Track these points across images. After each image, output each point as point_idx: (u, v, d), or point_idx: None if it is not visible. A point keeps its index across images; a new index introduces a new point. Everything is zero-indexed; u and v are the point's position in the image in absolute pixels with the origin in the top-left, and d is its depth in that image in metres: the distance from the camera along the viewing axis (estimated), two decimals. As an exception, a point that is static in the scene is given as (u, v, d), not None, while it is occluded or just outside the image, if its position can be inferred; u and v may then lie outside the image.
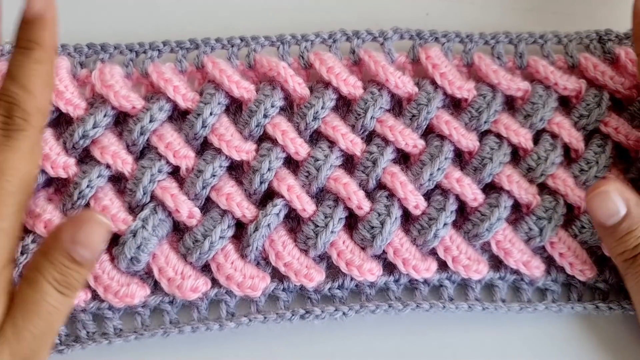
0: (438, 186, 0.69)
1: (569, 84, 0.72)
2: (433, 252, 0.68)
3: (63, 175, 0.66)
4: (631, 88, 0.72)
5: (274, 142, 0.69)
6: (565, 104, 0.73)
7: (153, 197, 0.67)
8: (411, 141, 0.69)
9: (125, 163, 0.67)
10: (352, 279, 0.67)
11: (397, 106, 0.72)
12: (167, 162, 0.68)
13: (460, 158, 0.71)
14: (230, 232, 0.66)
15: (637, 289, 0.64)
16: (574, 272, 0.67)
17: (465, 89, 0.71)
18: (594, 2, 0.78)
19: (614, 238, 0.62)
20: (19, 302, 0.56)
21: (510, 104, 0.73)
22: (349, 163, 0.70)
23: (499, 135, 0.70)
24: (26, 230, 0.65)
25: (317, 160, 0.68)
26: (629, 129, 0.71)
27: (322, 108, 0.70)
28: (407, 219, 0.69)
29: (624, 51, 0.73)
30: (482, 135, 0.71)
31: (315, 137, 0.71)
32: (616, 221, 0.61)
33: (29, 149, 0.60)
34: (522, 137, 0.70)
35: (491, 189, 0.69)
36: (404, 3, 0.79)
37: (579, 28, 0.75)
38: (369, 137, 0.71)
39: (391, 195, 0.68)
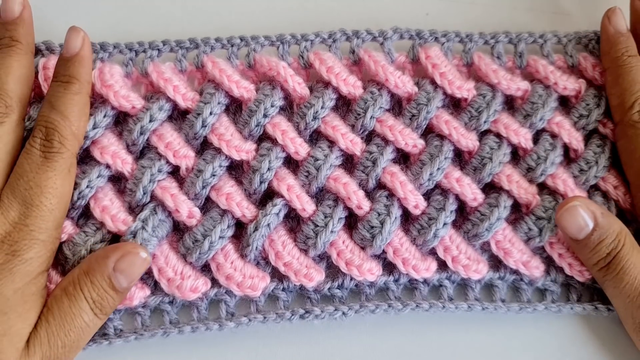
0: (438, 186, 0.69)
1: (569, 83, 0.72)
2: (433, 252, 0.68)
3: (63, 176, 0.66)
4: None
5: (274, 141, 0.69)
6: (565, 103, 0.73)
7: (153, 197, 0.67)
8: (411, 141, 0.69)
9: (125, 163, 0.67)
10: (351, 278, 0.67)
11: (397, 106, 0.72)
12: (167, 161, 0.68)
13: (460, 158, 0.71)
14: (230, 232, 0.66)
15: (615, 295, 0.65)
16: (573, 273, 0.67)
17: (465, 89, 0.71)
18: (594, 2, 0.78)
19: (587, 250, 0.65)
20: (55, 311, 0.61)
21: (510, 104, 0.73)
22: (348, 163, 0.70)
23: (498, 135, 0.70)
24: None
25: (317, 160, 0.68)
26: None
27: (322, 108, 0.69)
28: (407, 218, 0.69)
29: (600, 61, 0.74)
30: (482, 135, 0.71)
31: (315, 137, 0.71)
32: (586, 234, 0.64)
33: (66, 170, 0.64)
34: (522, 136, 0.70)
35: (491, 188, 0.69)
36: (404, 3, 0.79)
37: (578, 28, 0.75)
38: (369, 136, 0.71)
39: (391, 195, 0.68)
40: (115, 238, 0.66)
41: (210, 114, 0.68)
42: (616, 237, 0.64)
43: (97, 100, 0.69)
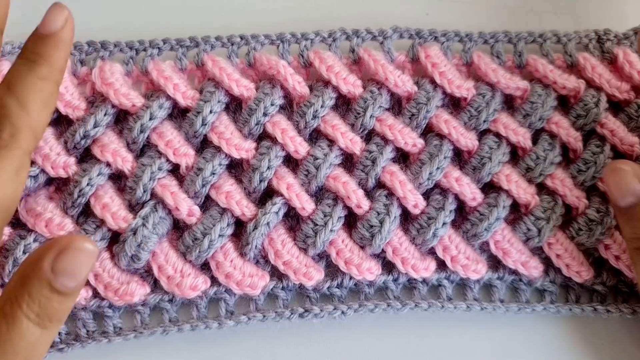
0: (437, 185, 0.69)
1: (568, 83, 0.72)
2: (432, 252, 0.68)
3: (63, 175, 0.66)
4: (628, 91, 0.72)
5: (274, 140, 0.69)
6: (564, 103, 0.73)
7: (153, 195, 0.67)
8: (410, 140, 0.69)
9: (125, 161, 0.67)
10: (351, 277, 0.67)
11: (397, 105, 0.72)
12: (167, 160, 0.68)
13: (460, 157, 0.71)
14: (230, 231, 0.66)
15: None
16: (571, 274, 0.67)
17: (464, 88, 0.71)
18: (594, 2, 0.79)
19: (626, 221, 0.62)
20: None
21: (510, 103, 0.73)
22: (348, 162, 0.70)
23: (498, 135, 0.71)
24: (27, 229, 0.65)
25: (317, 158, 0.68)
26: (625, 133, 0.71)
27: (321, 107, 0.70)
28: (406, 218, 0.69)
29: (622, 52, 0.73)
30: (481, 134, 0.71)
31: (315, 136, 0.71)
32: (629, 203, 0.60)
33: (12, 170, 0.55)
34: (521, 136, 0.70)
35: (490, 188, 0.69)
36: (404, 3, 0.79)
37: (578, 28, 0.75)
38: (369, 136, 0.71)
39: (390, 194, 0.68)
40: (115, 236, 0.66)
41: (210, 112, 0.68)
42: None
43: (98, 98, 0.69)
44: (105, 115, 0.68)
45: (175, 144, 0.68)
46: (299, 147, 0.69)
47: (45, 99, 0.56)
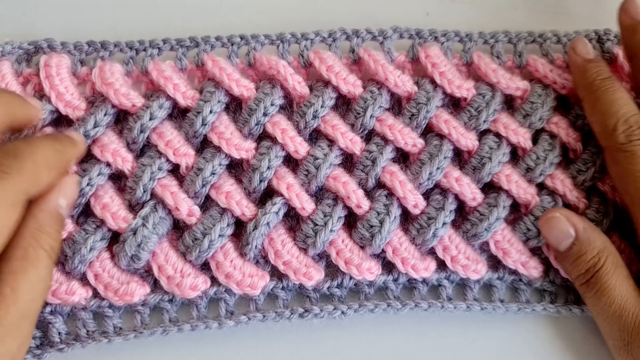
0: (437, 185, 0.69)
1: (568, 83, 0.72)
2: (432, 252, 0.68)
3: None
4: (628, 91, 0.72)
5: (274, 140, 0.69)
6: (564, 104, 0.73)
7: (153, 195, 0.67)
8: (410, 140, 0.69)
9: (125, 161, 0.67)
10: (351, 277, 0.67)
11: (397, 105, 0.73)
12: (167, 160, 0.68)
13: (460, 157, 0.71)
14: (230, 231, 0.66)
15: (596, 311, 0.65)
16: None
17: (464, 88, 0.71)
18: (594, 2, 0.79)
19: (568, 262, 0.65)
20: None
21: (510, 103, 0.73)
22: (348, 162, 0.70)
23: (498, 135, 0.71)
24: None
25: (317, 158, 0.68)
26: None
27: (321, 107, 0.70)
28: (406, 218, 0.69)
29: (622, 51, 0.73)
30: (481, 134, 0.71)
31: (315, 136, 0.71)
32: (567, 246, 0.64)
33: (8, 202, 0.56)
34: (521, 136, 0.70)
35: (490, 188, 0.69)
36: (404, 3, 0.79)
37: (578, 28, 0.75)
38: (369, 136, 0.71)
39: (390, 194, 0.68)
40: (115, 236, 0.66)
41: (210, 112, 0.68)
42: (597, 254, 0.63)
43: (98, 98, 0.69)
44: (105, 115, 0.68)
45: (175, 144, 0.68)
46: (299, 147, 0.69)
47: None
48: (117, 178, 0.69)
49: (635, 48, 0.70)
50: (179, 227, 0.68)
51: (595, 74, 0.69)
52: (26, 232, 0.57)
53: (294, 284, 0.67)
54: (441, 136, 0.70)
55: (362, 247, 0.67)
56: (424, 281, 0.68)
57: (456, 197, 0.68)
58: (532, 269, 0.67)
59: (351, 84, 0.71)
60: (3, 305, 0.54)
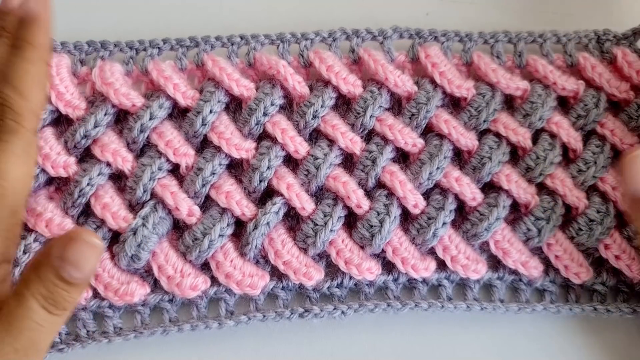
0: (437, 185, 0.69)
1: (568, 84, 0.72)
2: (432, 252, 0.68)
3: (64, 174, 0.67)
4: (627, 91, 0.72)
5: (274, 140, 0.69)
6: (564, 104, 0.73)
7: (153, 195, 0.67)
8: (410, 140, 0.69)
9: (125, 161, 0.67)
10: (351, 277, 0.67)
11: (397, 105, 0.73)
12: (167, 159, 0.68)
13: (460, 157, 0.71)
14: (230, 231, 0.66)
15: None
16: (569, 275, 0.68)
17: (464, 88, 0.71)
18: (594, 2, 0.79)
19: None
20: (3, 314, 0.54)
21: (510, 103, 0.73)
22: (348, 162, 0.70)
23: (498, 135, 0.71)
24: (28, 229, 0.65)
25: (317, 158, 0.68)
26: (624, 133, 0.71)
27: (321, 106, 0.70)
28: (406, 218, 0.69)
29: (622, 52, 0.74)
30: (481, 134, 0.71)
31: (315, 136, 0.71)
32: None
33: (21, 152, 0.58)
34: (521, 136, 0.70)
35: (490, 188, 0.69)
36: (404, 3, 0.79)
37: (578, 28, 0.75)
38: (369, 135, 0.71)
39: (390, 194, 0.68)
40: (115, 236, 0.66)
41: (210, 112, 0.69)
42: None
43: (98, 98, 0.69)
44: (105, 115, 0.68)
45: (175, 144, 0.68)
46: (299, 147, 0.69)
47: (38, 80, 0.59)
48: (118, 178, 0.69)
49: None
50: (179, 227, 0.68)
51: None
52: None
53: (294, 283, 0.67)
54: (441, 136, 0.70)
55: (362, 247, 0.67)
56: (424, 281, 0.68)
57: (456, 197, 0.68)
58: (532, 269, 0.67)
59: (351, 84, 0.71)
60: None
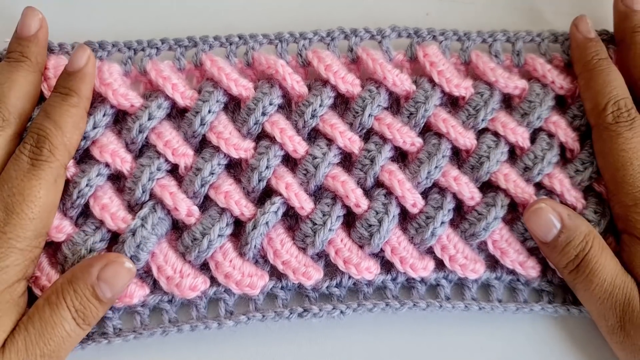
0: (435, 184, 0.69)
1: (565, 83, 0.72)
2: (430, 251, 0.68)
3: (63, 176, 0.67)
4: None
5: (272, 140, 0.69)
6: (562, 103, 0.73)
7: (152, 195, 0.67)
8: (409, 139, 0.70)
9: (124, 161, 0.67)
10: (350, 277, 0.67)
11: (395, 104, 0.73)
12: (166, 160, 0.68)
13: (458, 156, 0.71)
14: (229, 231, 0.67)
15: (586, 297, 0.65)
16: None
17: (462, 87, 0.71)
18: (594, 3, 0.78)
19: (555, 253, 0.65)
20: (36, 319, 0.60)
21: (508, 102, 0.73)
22: (347, 161, 0.70)
23: (496, 134, 0.71)
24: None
25: (315, 158, 0.68)
26: None
27: (320, 106, 0.70)
28: (405, 217, 0.69)
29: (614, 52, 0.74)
30: (480, 133, 0.71)
31: (314, 135, 0.71)
32: (553, 236, 0.64)
33: (52, 180, 0.63)
34: (520, 135, 0.70)
35: (488, 187, 0.70)
36: (404, 3, 0.79)
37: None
38: (367, 135, 0.71)
39: (389, 193, 0.68)
40: (115, 236, 0.66)
41: (209, 112, 0.69)
42: (584, 239, 0.64)
43: (97, 99, 0.69)
44: (104, 115, 0.68)
45: (174, 144, 0.68)
46: (298, 146, 0.69)
47: (76, 121, 0.66)
48: (116, 179, 0.69)
49: (624, 33, 0.72)
50: (178, 228, 0.68)
51: (594, 52, 0.71)
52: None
53: (293, 283, 0.67)
54: (439, 135, 0.70)
55: (361, 247, 0.67)
56: (423, 280, 0.69)
57: (454, 196, 0.69)
58: (530, 269, 0.67)
59: (349, 83, 0.71)
60: None
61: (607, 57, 0.71)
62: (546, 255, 0.67)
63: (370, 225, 0.67)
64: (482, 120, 0.70)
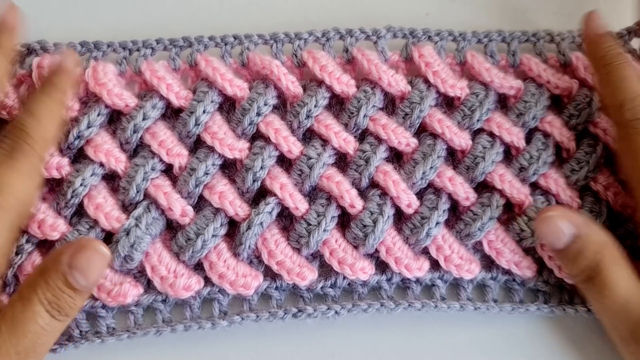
0: (430, 185, 0.69)
1: (561, 83, 0.72)
2: (425, 252, 0.68)
3: (57, 175, 0.67)
4: None
5: (267, 140, 0.69)
6: (557, 103, 0.73)
7: (146, 195, 0.67)
8: (404, 139, 0.69)
9: (118, 161, 0.67)
10: (344, 277, 0.67)
11: (390, 105, 0.72)
12: (160, 160, 0.68)
13: (453, 157, 0.71)
14: (223, 231, 0.66)
15: (598, 308, 0.64)
16: (563, 276, 0.67)
17: (457, 87, 0.71)
18: (593, 3, 0.78)
19: (568, 261, 0.63)
20: (8, 316, 0.57)
21: (503, 103, 0.73)
22: (341, 162, 0.70)
23: (491, 134, 0.70)
24: (21, 231, 0.64)
25: (310, 158, 0.68)
26: None
27: (315, 106, 0.70)
28: (400, 217, 0.69)
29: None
30: (475, 133, 0.71)
31: (308, 136, 0.71)
32: (566, 244, 0.61)
33: (28, 172, 0.62)
34: (515, 135, 0.70)
35: (483, 188, 0.69)
36: (404, 3, 0.79)
37: (573, 27, 0.75)
38: (362, 135, 0.71)
39: (384, 193, 0.68)
40: (108, 236, 0.66)
41: (204, 112, 0.68)
42: (598, 250, 0.61)
43: (91, 98, 0.69)
44: (98, 115, 0.68)
45: (168, 144, 0.68)
46: (292, 146, 0.69)
47: (54, 114, 0.64)
48: (111, 178, 0.69)
49: (597, 60, 0.70)
50: (172, 228, 0.68)
51: (608, 47, 0.69)
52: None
53: (287, 284, 0.67)
54: (435, 135, 0.70)
55: (356, 247, 0.67)
56: (418, 281, 0.68)
57: (449, 196, 0.69)
58: (526, 269, 0.67)
59: (345, 84, 0.71)
60: None
61: (620, 51, 0.69)
62: (560, 262, 0.66)
63: (365, 226, 0.67)
64: (478, 120, 0.70)
